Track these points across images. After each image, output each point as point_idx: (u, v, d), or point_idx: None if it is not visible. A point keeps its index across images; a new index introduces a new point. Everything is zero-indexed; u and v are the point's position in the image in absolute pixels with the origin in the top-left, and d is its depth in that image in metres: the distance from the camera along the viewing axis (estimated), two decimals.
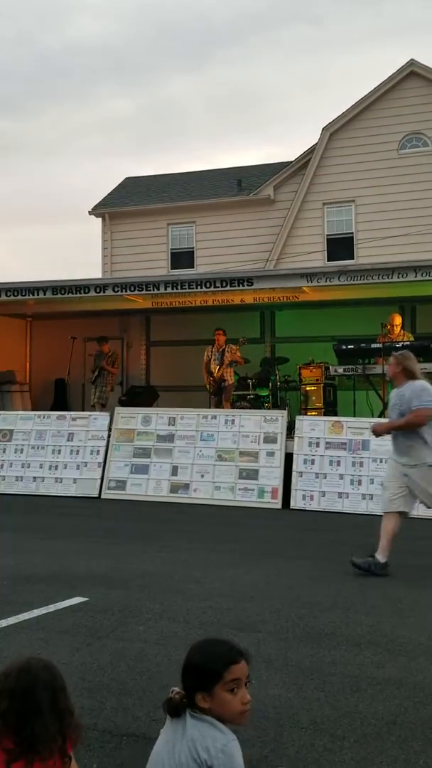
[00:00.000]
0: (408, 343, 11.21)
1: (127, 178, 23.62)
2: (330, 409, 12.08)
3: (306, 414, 11.57)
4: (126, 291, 12.73)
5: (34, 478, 11.32)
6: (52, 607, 4.88)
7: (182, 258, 20.39)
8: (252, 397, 12.68)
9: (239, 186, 20.61)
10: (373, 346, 11.33)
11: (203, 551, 7.05)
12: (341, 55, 59.25)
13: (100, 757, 2.84)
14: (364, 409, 11.55)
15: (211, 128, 58.64)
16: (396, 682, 3.64)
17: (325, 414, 11.60)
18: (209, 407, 12.20)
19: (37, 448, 11.53)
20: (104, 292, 12.82)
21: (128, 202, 21.44)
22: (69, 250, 56.89)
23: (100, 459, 11.13)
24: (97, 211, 21.36)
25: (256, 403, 12.50)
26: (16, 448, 11.61)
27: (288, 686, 3.57)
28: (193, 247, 20.42)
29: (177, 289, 12.50)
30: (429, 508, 6.30)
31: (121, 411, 11.66)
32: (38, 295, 13.11)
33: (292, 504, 9.97)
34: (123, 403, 13.09)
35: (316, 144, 19.28)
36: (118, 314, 15.06)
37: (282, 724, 3.14)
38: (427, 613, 4.91)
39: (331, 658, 3.96)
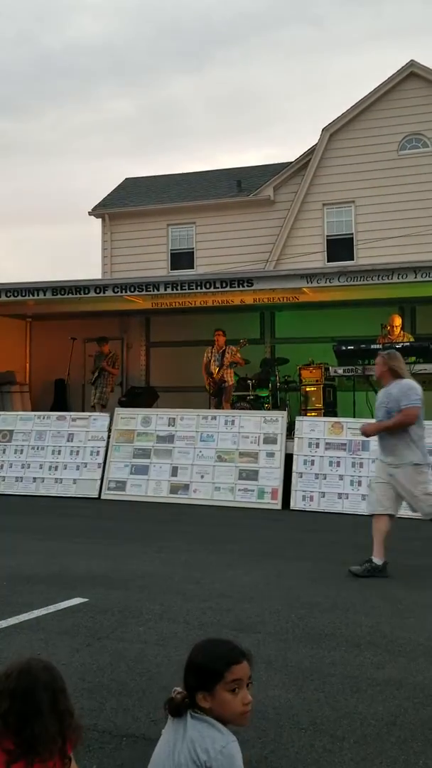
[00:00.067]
0: (408, 344, 11.22)
1: (126, 179, 23.63)
2: (330, 409, 12.08)
3: (306, 415, 11.58)
4: (126, 292, 12.74)
5: (34, 478, 11.32)
6: (51, 608, 4.88)
7: (182, 259, 20.40)
8: (252, 397, 12.69)
9: (239, 187, 20.62)
10: (373, 347, 11.32)
11: (203, 552, 7.05)
12: (341, 55, 59.29)
13: (100, 757, 2.84)
14: (363, 410, 11.53)
15: (211, 129, 58.68)
16: (396, 682, 3.64)
17: (325, 415, 11.60)
18: (209, 408, 12.20)
19: (37, 448, 11.53)
20: (104, 292, 12.82)
21: (128, 203, 21.45)
22: (69, 251, 56.89)
23: (100, 460, 11.14)
24: (97, 211, 21.37)
25: (256, 404, 12.51)
26: (16, 449, 11.61)
27: (288, 687, 3.57)
28: (193, 248, 20.43)
29: (177, 289, 12.51)
30: (414, 511, 6.25)
31: (120, 412, 11.67)
32: (38, 295, 13.11)
33: (292, 505, 9.97)
34: (123, 404, 13.09)
35: (316, 145, 19.29)
36: (117, 315, 15.06)
37: (282, 724, 3.14)
38: (426, 613, 4.91)
39: (331, 659, 3.97)
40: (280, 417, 10.75)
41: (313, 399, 12.11)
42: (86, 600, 5.09)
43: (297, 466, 10.23)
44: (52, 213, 60.41)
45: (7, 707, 1.81)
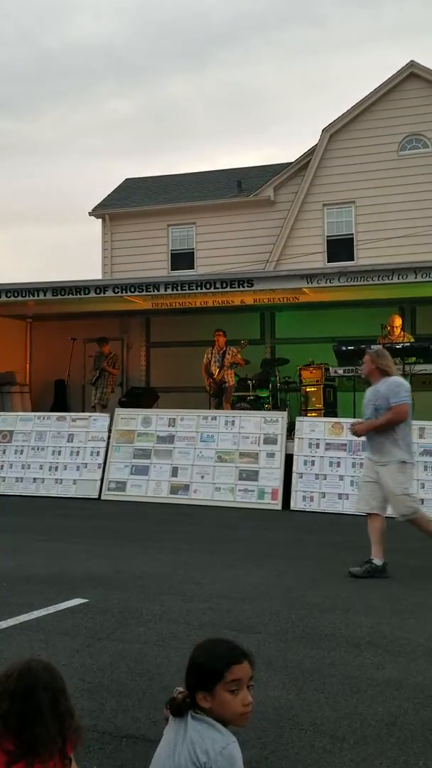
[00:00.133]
0: (408, 344, 11.22)
1: (127, 179, 23.64)
2: (330, 410, 12.08)
3: (306, 415, 11.58)
4: (126, 292, 12.74)
5: (34, 479, 11.32)
6: (51, 609, 4.88)
7: (182, 259, 20.40)
8: (252, 398, 12.69)
9: (239, 187, 20.62)
10: (373, 347, 11.31)
11: (203, 552, 7.05)
12: (341, 56, 59.32)
13: (100, 758, 2.84)
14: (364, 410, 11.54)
15: (211, 129, 58.71)
16: (396, 683, 3.64)
17: (325, 415, 11.60)
18: (209, 408, 12.20)
19: (37, 449, 11.53)
20: (104, 293, 12.83)
21: (128, 203, 21.45)
22: (69, 251, 56.91)
23: (100, 460, 11.14)
24: (97, 212, 21.37)
25: (256, 405, 12.51)
26: (16, 449, 11.61)
27: (288, 687, 3.57)
28: (193, 248, 20.44)
29: (177, 290, 12.51)
30: (395, 516, 6.17)
31: (121, 412, 11.67)
32: (38, 296, 13.11)
33: (292, 505, 9.97)
34: (123, 405, 13.09)
35: (316, 145, 19.29)
36: (118, 315, 15.07)
37: (282, 725, 3.14)
38: (426, 614, 4.91)
39: (331, 660, 3.97)
40: (281, 417, 10.75)
41: (314, 399, 12.11)
42: (86, 600, 5.09)
43: (297, 466, 10.23)
44: (52, 213, 60.48)
45: (8, 708, 1.81)
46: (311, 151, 19.43)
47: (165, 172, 25.45)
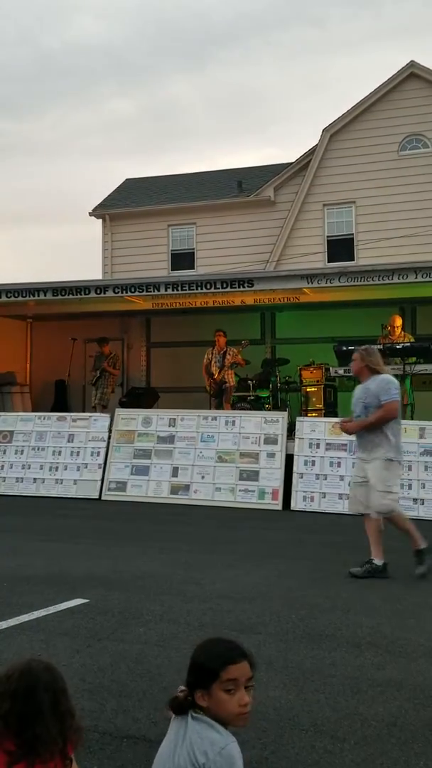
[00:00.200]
0: (408, 344, 11.22)
1: (127, 180, 23.64)
2: (330, 410, 12.08)
3: (306, 415, 11.58)
4: (126, 292, 12.74)
5: (35, 479, 11.32)
6: (52, 609, 4.88)
7: (182, 259, 20.39)
8: (252, 398, 12.68)
9: (239, 187, 20.62)
10: (373, 347, 11.31)
11: (203, 553, 7.05)
12: (342, 56, 59.33)
13: (101, 759, 2.84)
14: None
15: (212, 129, 58.72)
16: (396, 683, 3.64)
17: (326, 415, 11.60)
18: (209, 408, 12.20)
19: (38, 449, 11.52)
20: (105, 293, 12.83)
21: (128, 204, 21.45)
22: (69, 252, 56.93)
23: (101, 460, 11.13)
24: (98, 212, 21.37)
25: (257, 405, 12.51)
26: (17, 450, 11.61)
27: (288, 688, 3.57)
28: (193, 249, 20.43)
29: (177, 290, 12.51)
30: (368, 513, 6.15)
31: (121, 412, 11.66)
32: (39, 296, 13.11)
33: (293, 505, 9.97)
34: (123, 405, 13.09)
35: (316, 145, 19.29)
36: (118, 315, 15.06)
37: (282, 725, 3.14)
38: (427, 614, 4.91)
39: (332, 660, 3.97)
40: (281, 417, 10.75)
41: (314, 399, 12.11)
42: (87, 601, 5.09)
43: (297, 466, 10.23)
44: (52, 213, 60.49)
45: (8, 708, 1.81)
46: (311, 151, 19.42)
47: (165, 172, 25.48)
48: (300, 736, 3.04)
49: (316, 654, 4.05)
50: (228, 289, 12.29)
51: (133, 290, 12.73)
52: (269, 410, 12.16)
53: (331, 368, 11.95)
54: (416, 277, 11.13)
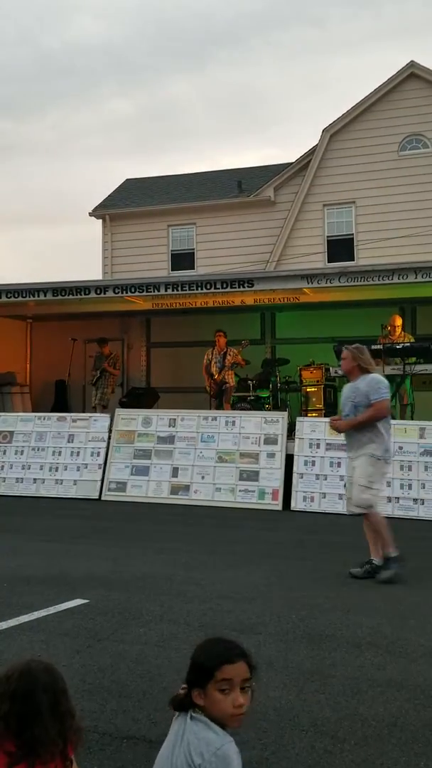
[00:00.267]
0: (408, 344, 11.22)
1: (127, 180, 23.64)
2: (330, 410, 12.06)
3: (306, 415, 11.57)
4: (126, 292, 12.74)
5: (35, 479, 11.32)
6: (52, 609, 4.88)
7: (183, 259, 20.39)
8: (252, 398, 12.68)
9: (239, 187, 20.62)
10: (373, 347, 11.28)
11: (203, 553, 7.04)
12: (342, 56, 59.34)
13: (101, 759, 2.84)
14: None
15: (212, 129, 58.74)
16: (397, 684, 3.64)
17: (326, 415, 11.56)
18: (210, 409, 12.20)
19: (38, 449, 11.52)
20: (105, 293, 12.83)
21: (129, 204, 21.45)
22: (69, 252, 56.93)
23: (101, 460, 11.13)
24: (98, 212, 21.37)
25: (257, 405, 12.50)
26: (17, 450, 11.61)
27: (288, 688, 3.56)
28: (193, 249, 20.43)
29: (177, 290, 12.51)
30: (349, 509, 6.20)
31: (121, 412, 11.66)
32: (39, 296, 13.11)
33: (293, 505, 9.97)
34: (123, 405, 13.09)
35: (316, 145, 19.29)
36: (118, 316, 15.07)
37: (282, 726, 3.14)
38: (427, 614, 4.90)
39: (332, 660, 3.96)
40: (281, 418, 10.75)
41: (314, 399, 12.10)
42: (87, 601, 5.08)
43: (298, 466, 10.22)
44: (52, 213, 60.48)
45: (8, 709, 1.81)
46: (311, 152, 19.42)
47: (165, 173, 25.47)
48: (300, 737, 3.04)
49: (316, 654, 4.05)
50: (228, 289, 12.29)
51: (133, 290, 12.73)
52: (269, 410, 12.16)
53: (331, 368, 11.95)
54: (416, 277, 11.13)
